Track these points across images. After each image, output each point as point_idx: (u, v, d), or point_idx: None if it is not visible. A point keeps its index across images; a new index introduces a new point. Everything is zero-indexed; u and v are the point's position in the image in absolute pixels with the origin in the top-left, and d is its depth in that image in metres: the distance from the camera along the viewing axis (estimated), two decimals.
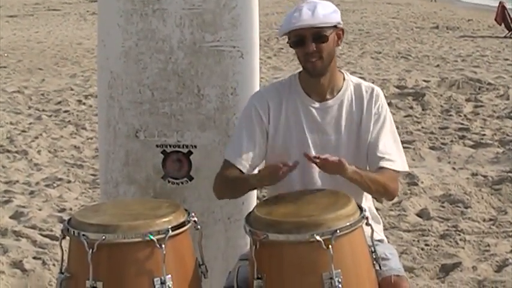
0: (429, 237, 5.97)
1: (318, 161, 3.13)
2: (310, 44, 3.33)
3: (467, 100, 11.17)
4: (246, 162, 3.40)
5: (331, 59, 3.40)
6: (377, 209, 3.64)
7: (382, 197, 3.49)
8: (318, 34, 3.33)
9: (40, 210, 6.82)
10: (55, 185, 7.61)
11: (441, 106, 10.85)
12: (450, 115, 10.36)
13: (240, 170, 3.39)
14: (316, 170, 3.34)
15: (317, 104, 3.44)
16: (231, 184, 3.38)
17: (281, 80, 3.61)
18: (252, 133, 3.44)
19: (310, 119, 3.43)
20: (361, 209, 3.04)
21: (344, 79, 3.49)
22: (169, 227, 3.01)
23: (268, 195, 3.53)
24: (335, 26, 3.39)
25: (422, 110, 10.72)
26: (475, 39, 19.39)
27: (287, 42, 3.46)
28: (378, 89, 3.50)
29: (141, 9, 3.84)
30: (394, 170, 3.35)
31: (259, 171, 3.34)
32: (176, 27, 3.84)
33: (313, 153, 3.34)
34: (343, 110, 3.43)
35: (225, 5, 3.82)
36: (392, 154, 3.37)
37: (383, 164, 3.33)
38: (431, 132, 9.44)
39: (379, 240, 3.37)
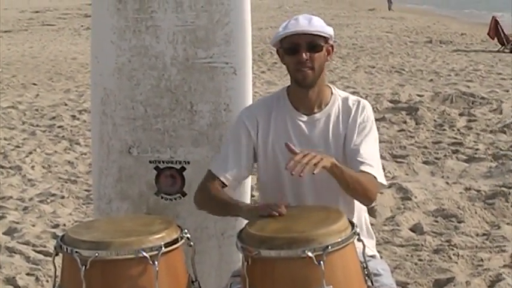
0: (422, 252, 5.97)
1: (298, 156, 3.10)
2: (303, 53, 3.35)
3: (461, 114, 11.19)
4: (230, 176, 3.44)
5: (321, 72, 3.43)
6: (371, 224, 3.64)
7: (359, 198, 3.39)
8: (313, 43, 3.37)
9: (34, 226, 6.81)
10: (49, 200, 7.59)
11: (434, 120, 10.87)
12: (443, 129, 10.38)
13: (223, 183, 3.43)
14: (306, 183, 3.37)
15: (305, 118, 3.47)
16: (217, 204, 3.40)
17: (270, 95, 3.65)
18: (238, 148, 3.48)
19: (298, 133, 3.45)
20: (352, 224, 3.04)
21: (332, 93, 3.52)
22: (162, 243, 3.01)
23: None
24: (327, 41, 3.42)
25: (416, 124, 10.73)
26: (468, 53, 19.45)
27: (278, 53, 3.47)
28: (364, 102, 3.53)
29: (134, 25, 3.86)
30: (373, 175, 3.33)
31: (254, 207, 3.31)
32: (169, 44, 3.85)
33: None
34: (330, 123, 3.46)
35: (218, 21, 3.83)
36: (373, 162, 3.36)
37: (363, 167, 3.32)
38: (425, 147, 9.45)
39: (371, 256, 3.38)
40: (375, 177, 3.34)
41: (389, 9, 37.72)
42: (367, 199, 3.37)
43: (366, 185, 3.29)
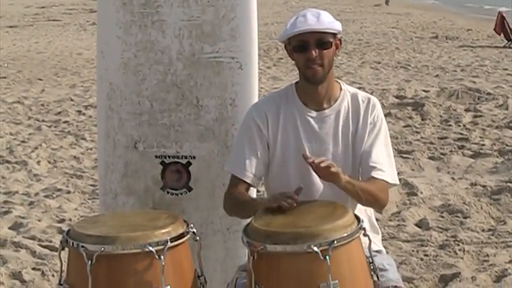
0: (428, 247, 5.97)
1: (313, 164, 3.16)
2: (313, 50, 3.34)
3: (467, 110, 11.18)
4: (251, 174, 3.43)
5: (330, 68, 3.42)
6: (376, 220, 3.64)
7: (371, 207, 3.48)
8: (322, 40, 3.35)
9: (39, 221, 6.82)
10: (54, 195, 7.61)
11: (440, 116, 10.86)
12: (449, 125, 10.37)
13: (247, 183, 3.43)
14: (313, 178, 3.37)
15: (314, 113, 3.46)
16: (240, 207, 3.41)
17: (278, 91, 3.64)
18: (253, 145, 3.46)
19: (308, 128, 3.45)
20: (358, 219, 3.05)
21: (341, 89, 3.51)
22: (168, 238, 3.01)
23: None
24: (335, 36, 3.41)
25: (422, 120, 10.73)
26: (474, 49, 19.42)
27: (286, 48, 3.46)
28: (374, 99, 3.52)
29: (140, 20, 3.86)
30: (384, 181, 3.37)
31: (268, 199, 3.34)
32: (175, 39, 3.85)
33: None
34: (340, 119, 3.45)
35: (224, 16, 3.83)
36: (384, 165, 3.39)
37: (374, 174, 3.35)
38: (431, 142, 9.45)
39: (377, 251, 3.38)
40: (386, 181, 3.37)
41: (387, 3, 37.68)
42: (379, 207, 3.45)
43: (377, 194, 3.34)
